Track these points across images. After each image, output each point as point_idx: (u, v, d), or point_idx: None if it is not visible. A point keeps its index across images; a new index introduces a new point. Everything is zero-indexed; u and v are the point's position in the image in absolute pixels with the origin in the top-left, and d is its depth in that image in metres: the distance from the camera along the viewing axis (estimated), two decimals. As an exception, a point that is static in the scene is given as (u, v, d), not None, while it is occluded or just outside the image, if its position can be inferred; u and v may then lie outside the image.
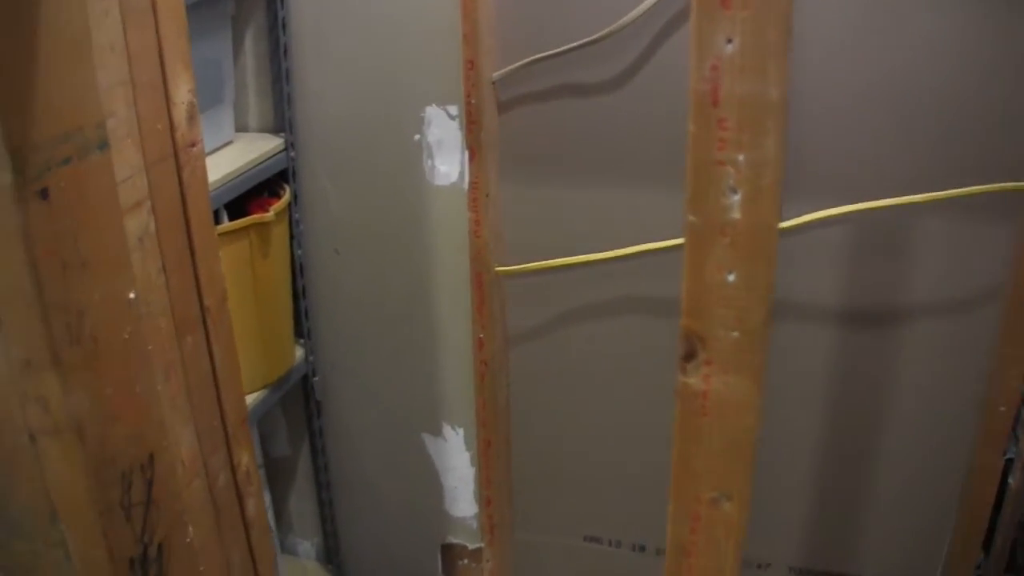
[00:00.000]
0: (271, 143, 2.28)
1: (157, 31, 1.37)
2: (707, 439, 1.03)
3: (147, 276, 1.30)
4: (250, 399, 2.22)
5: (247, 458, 1.61)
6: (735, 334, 0.95)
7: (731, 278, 0.93)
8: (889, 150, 2.00)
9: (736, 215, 0.90)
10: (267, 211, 2.13)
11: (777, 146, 0.86)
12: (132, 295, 1.23)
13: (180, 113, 1.39)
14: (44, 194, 1.07)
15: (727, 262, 0.92)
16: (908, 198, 1.95)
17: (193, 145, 1.42)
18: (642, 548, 2.64)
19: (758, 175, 0.87)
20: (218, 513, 1.53)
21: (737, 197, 0.89)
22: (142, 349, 1.26)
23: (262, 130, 2.37)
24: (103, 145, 1.16)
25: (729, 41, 0.85)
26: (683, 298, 0.96)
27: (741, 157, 0.87)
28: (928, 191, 1.95)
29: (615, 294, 2.30)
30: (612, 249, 2.22)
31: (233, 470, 1.58)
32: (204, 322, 1.46)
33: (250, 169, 2.17)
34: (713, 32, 0.85)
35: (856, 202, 2.00)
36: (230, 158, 2.17)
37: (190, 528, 1.41)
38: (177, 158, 1.40)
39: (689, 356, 0.98)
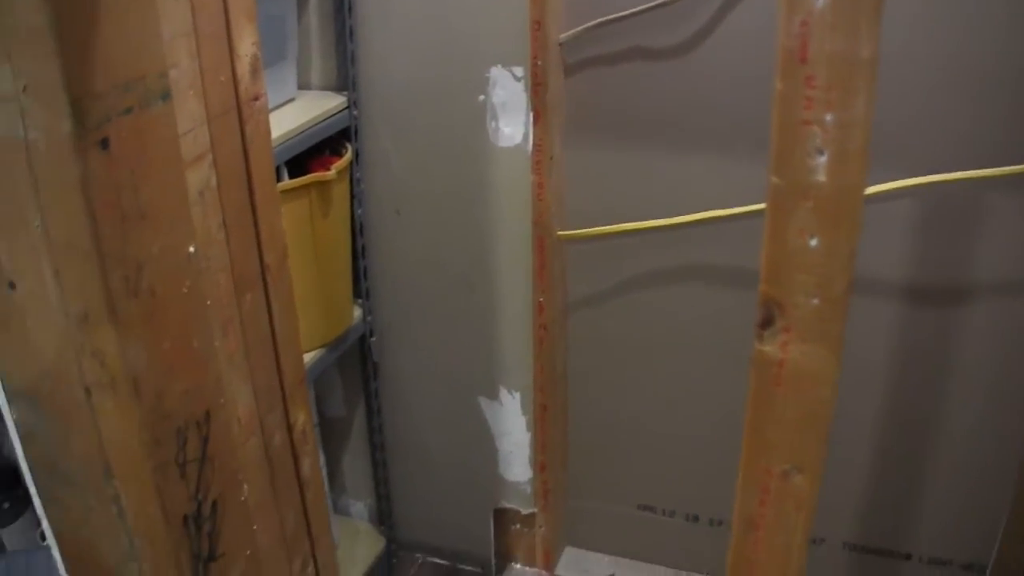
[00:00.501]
0: (333, 101, 2.26)
1: (221, -19, 1.35)
2: (781, 409, 1.00)
3: (207, 231, 1.29)
4: (307, 358, 2.20)
5: (303, 417, 1.59)
6: (815, 301, 0.92)
7: (813, 243, 0.89)
8: (961, 124, 1.96)
9: (821, 177, 0.86)
10: (328, 170, 2.11)
11: (866, 107, 0.83)
12: (192, 249, 1.21)
13: (243, 66, 1.37)
14: (104, 144, 1.05)
15: (810, 226, 0.89)
16: (979, 172, 1.91)
17: (256, 99, 1.40)
18: (695, 519, 2.62)
19: (846, 136, 0.84)
20: (273, 472, 1.52)
21: (823, 159, 0.86)
22: (201, 304, 1.24)
23: (325, 88, 2.35)
24: (165, 95, 1.14)
25: (820, -5, 0.82)
26: (762, 263, 0.93)
27: (829, 117, 0.84)
28: (999, 166, 1.91)
29: (676, 262, 2.28)
30: (675, 216, 2.19)
31: (289, 429, 1.57)
32: (264, 279, 1.45)
33: (312, 127, 2.15)
34: (804, -14, 0.82)
35: (925, 175, 1.96)
36: (292, 115, 2.15)
37: (245, 486, 1.40)
38: (240, 112, 1.38)
39: (766, 323, 0.95)
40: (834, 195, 0.87)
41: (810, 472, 1.03)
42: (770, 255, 0.92)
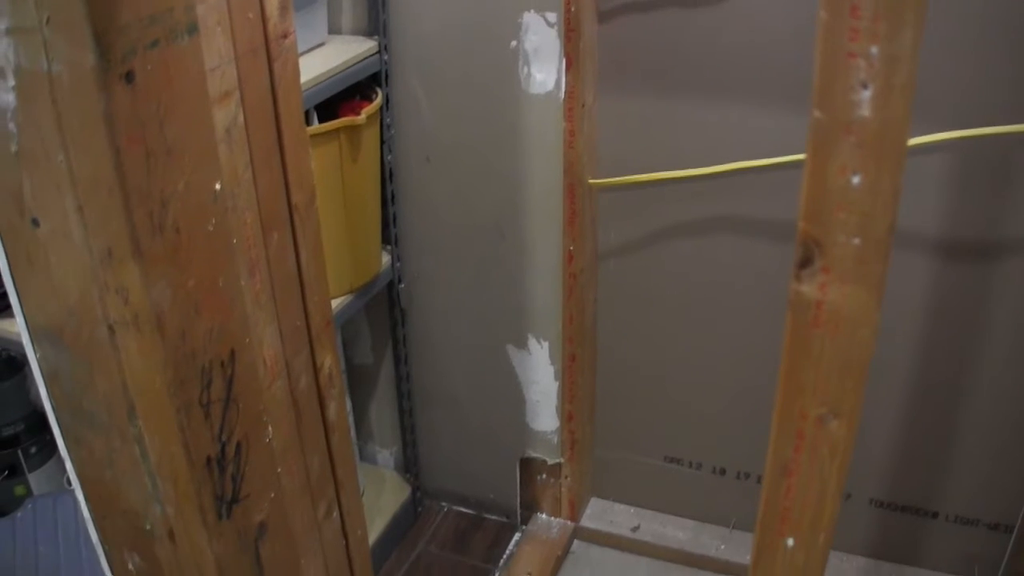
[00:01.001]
0: (364, 45, 2.25)
1: (250, -85, 1.33)
2: (818, 352, 0.98)
3: (234, 169, 1.27)
4: (334, 304, 2.20)
5: (330, 361, 1.58)
6: (856, 241, 0.90)
7: (855, 181, 0.87)
8: (997, 77, 1.93)
9: (865, 112, 0.84)
10: (358, 114, 2.10)
11: (914, 40, 0.80)
12: (218, 187, 1.19)
13: (272, 3, 1.35)
14: (130, 78, 1.03)
15: (852, 163, 0.87)
16: (1015, 127, 1.89)
17: (285, 37, 1.38)
18: (723, 471, 2.62)
19: (892, 71, 0.81)
20: (299, 415, 1.51)
21: (867, 93, 0.83)
22: (227, 242, 1.23)
23: (355, 33, 2.34)
24: (192, 29, 1.12)
25: (869, -79, 0.80)
26: (801, 201, 0.90)
27: (874, 50, 0.81)
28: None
29: (708, 212, 2.26)
30: (708, 166, 2.17)
31: (316, 372, 1.56)
32: (291, 220, 1.43)
33: (342, 71, 2.14)
34: (852, -88, 0.80)
35: (959, 129, 1.93)
36: (322, 59, 2.14)
37: (270, 428, 1.39)
38: (268, 50, 1.36)
39: (805, 263, 0.93)
40: (878, 131, 0.84)
41: (847, 418, 1.01)
42: (810, 193, 0.90)
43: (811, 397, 1.01)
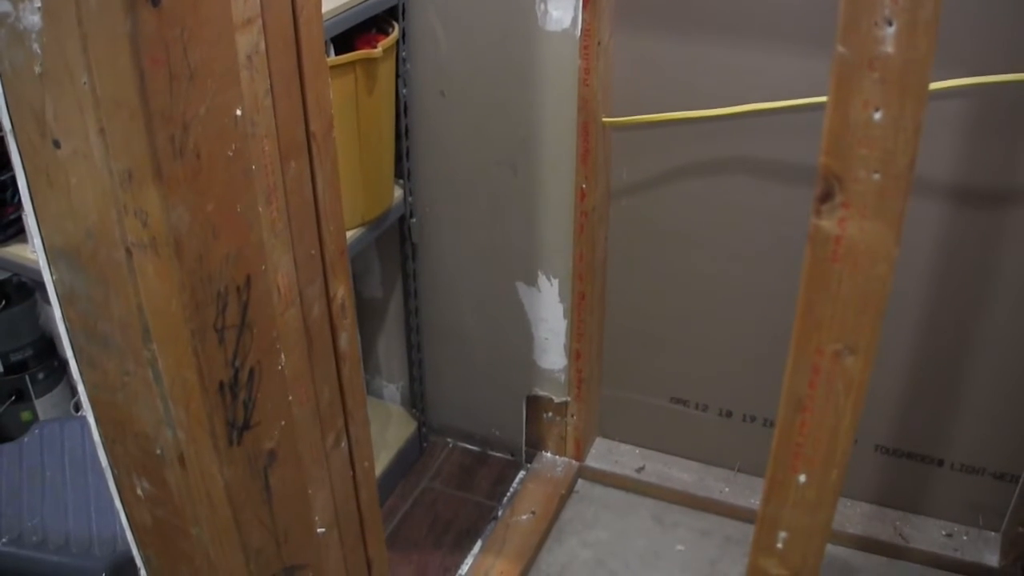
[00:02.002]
0: (382, -22, 2.24)
1: None
2: (836, 287, 0.98)
3: (254, 95, 1.27)
4: (347, 236, 2.21)
5: (343, 290, 1.58)
6: (876, 176, 0.90)
7: (877, 116, 0.87)
8: (1015, 24, 1.92)
9: (888, 48, 0.84)
10: (375, 47, 2.10)
11: (940, -24, 0.81)
12: (239, 112, 1.20)
13: (295, -69, 1.35)
14: (155, 1, 1.04)
15: (875, 98, 0.87)
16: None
17: (306, -35, 1.38)
18: (729, 414, 2.63)
19: (915, 6, 0.81)
20: (311, 343, 1.51)
21: (891, 29, 0.83)
22: (246, 168, 1.23)
23: (373, -35, 2.33)
24: (218, -46, 1.12)
25: None
26: (824, 135, 0.91)
27: (899, -14, 0.82)
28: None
29: (722, 154, 2.26)
30: (723, 107, 2.17)
31: (328, 302, 1.56)
32: (309, 148, 1.43)
33: (359, 4, 2.14)
34: None
35: (976, 75, 1.93)
36: (340, -9, 2.14)
37: (282, 356, 1.39)
38: (290, -22, 1.36)
39: (825, 197, 0.93)
40: (901, 67, 0.85)
41: (863, 353, 1.02)
42: (832, 128, 0.90)
43: (828, 332, 1.01)
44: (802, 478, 1.14)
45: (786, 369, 1.07)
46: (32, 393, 2.60)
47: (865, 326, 1.00)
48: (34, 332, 2.61)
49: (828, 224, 0.94)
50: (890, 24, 0.83)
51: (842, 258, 0.96)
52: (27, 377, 2.58)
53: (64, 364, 2.61)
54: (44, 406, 2.64)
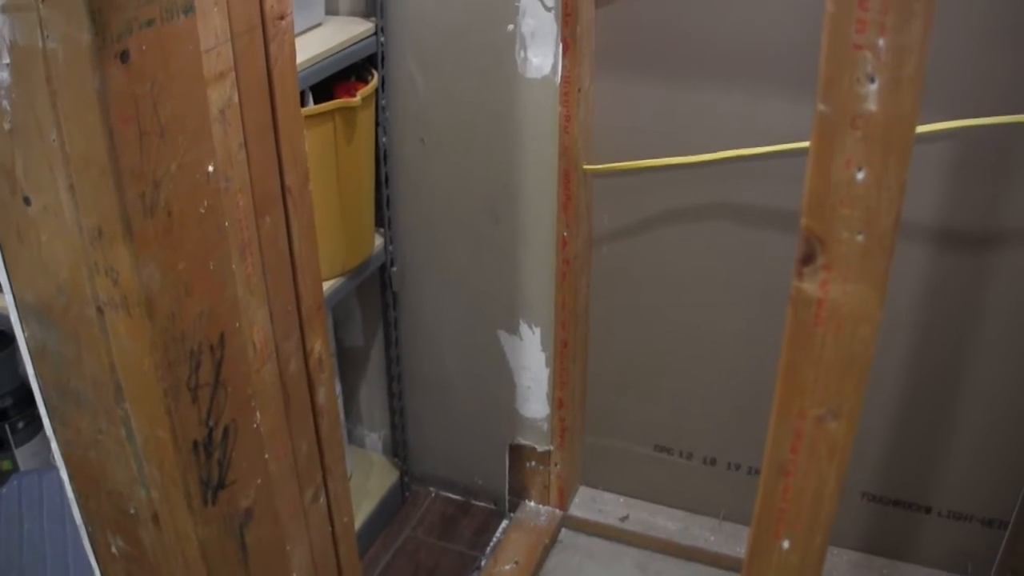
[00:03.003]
0: (361, 27, 2.24)
1: None
2: (818, 350, 0.97)
3: (227, 150, 1.26)
4: (326, 286, 2.19)
5: (320, 345, 1.57)
6: (860, 237, 0.88)
7: (860, 176, 0.86)
8: (999, 67, 1.92)
9: (871, 106, 0.83)
10: (354, 96, 2.09)
11: (923, 32, 0.79)
12: (211, 168, 1.18)
13: (269, -17, 1.34)
14: (124, 57, 1.02)
15: (857, 157, 0.85)
16: (1017, 117, 1.88)
17: (282, 18, 1.37)
18: (713, 462, 2.61)
19: (900, 63, 0.80)
20: (287, 399, 1.50)
21: (874, 86, 0.82)
22: (219, 224, 1.21)
23: (352, 14, 2.33)
24: (188, 9, 1.11)
25: (879, -92, 0.79)
26: (805, 196, 0.89)
27: (882, 42, 0.80)
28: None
29: (704, 200, 2.25)
30: (704, 153, 2.16)
31: (305, 356, 1.55)
32: (284, 202, 1.42)
33: (338, 52, 2.13)
34: (859, -102, 0.79)
35: (961, 118, 1.93)
36: (319, 40, 2.13)
37: (258, 414, 1.38)
38: (265, 30, 1.35)
39: (807, 259, 0.92)
40: (884, 125, 0.83)
41: (847, 418, 1.00)
42: (813, 187, 0.88)
43: (811, 396, 1.00)
44: (785, 544, 1.12)
45: (768, 433, 1.06)
46: (12, 442, 2.57)
47: (849, 390, 0.98)
48: (13, 380, 2.58)
49: (810, 287, 0.93)
50: (873, 81, 0.81)
51: (825, 321, 0.94)
52: (6, 426, 2.55)
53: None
54: (24, 455, 2.61)
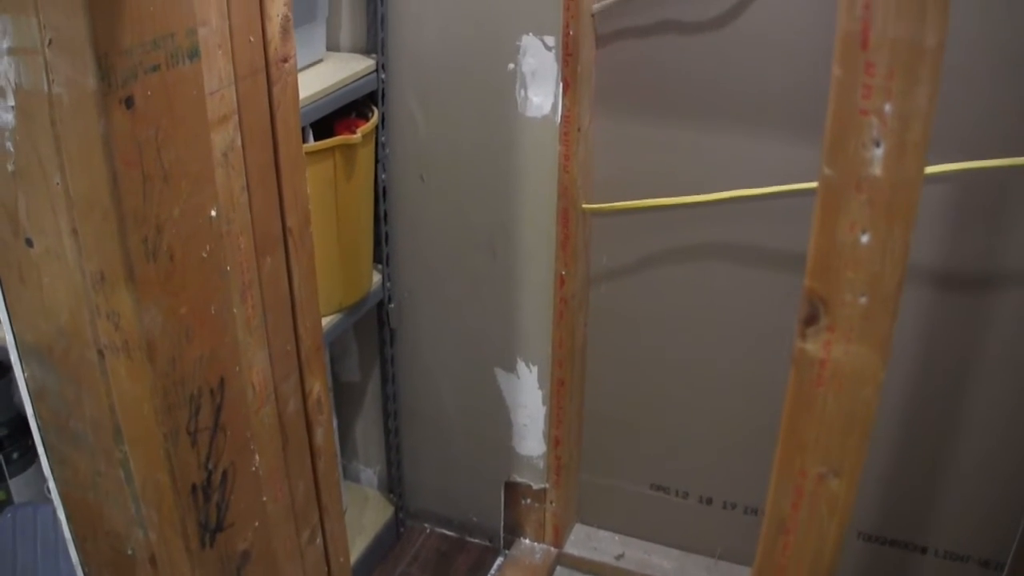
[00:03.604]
0: (361, 64, 2.24)
1: (254, -63, 1.32)
2: (821, 410, 0.97)
3: (230, 193, 1.26)
4: (324, 322, 2.19)
5: (319, 386, 1.57)
6: (863, 300, 0.89)
7: (864, 239, 0.86)
8: (996, 110, 1.93)
9: (876, 171, 0.83)
10: (354, 132, 2.10)
11: (929, 98, 0.79)
12: (214, 212, 1.19)
13: (274, 26, 1.34)
14: (129, 102, 1.03)
15: (862, 221, 0.86)
16: (1015, 160, 1.89)
17: (285, 61, 1.37)
18: (709, 501, 2.61)
19: (905, 128, 0.80)
20: (286, 441, 1.49)
21: (880, 151, 0.82)
22: (220, 268, 1.22)
23: (353, 50, 2.33)
24: (194, 54, 1.11)
25: (886, -23, 0.79)
26: (809, 257, 0.89)
27: (888, 107, 0.80)
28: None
29: (701, 240, 2.25)
30: (702, 193, 2.16)
31: (304, 397, 1.55)
32: (285, 244, 1.42)
33: (339, 89, 2.13)
34: (869, -33, 0.79)
35: (959, 161, 1.93)
36: (319, 77, 2.13)
37: (256, 456, 1.38)
38: (268, 73, 1.35)
39: (810, 320, 0.92)
40: (889, 189, 0.83)
41: (848, 476, 1.00)
42: (818, 249, 0.89)
43: (812, 455, 1.00)
44: (785, 599, 1.12)
45: (769, 489, 1.05)
46: (6, 472, 2.56)
47: (851, 449, 0.98)
48: (9, 411, 2.57)
49: (813, 347, 0.93)
50: (878, 146, 0.82)
51: (827, 381, 0.94)
52: (1, 456, 2.54)
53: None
54: (18, 485, 2.60)
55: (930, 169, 1.90)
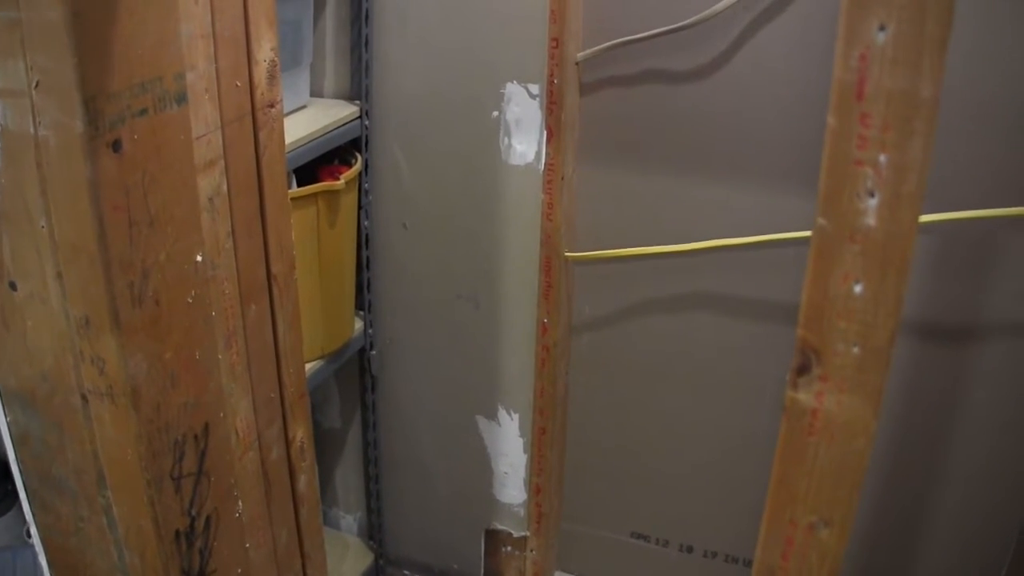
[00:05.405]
0: (345, 110, 2.24)
1: (242, -16, 1.32)
2: (812, 460, 0.96)
3: (216, 239, 1.25)
4: (306, 368, 2.18)
5: (302, 432, 1.56)
6: (856, 350, 0.88)
7: (858, 289, 0.86)
8: (981, 161, 1.93)
9: (871, 221, 0.83)
10: (337, 179, 2.09)
11: (924, 149, 0.79)
12: (199, 258, 1.18)
13: (261, 72, 1.34)
14: (116, 146, 1.02)
15: (855, 272, 0.85)
16: (998, 211, 1.89)
17: (272, 106, 1.37)
18: (690, 549, 2.59)
19: (900, 179, 0.80)
20: (269, 487, 1.48)
21: (874, 201, 0.82)
22: (205, 314, 1.21)
23: (337, 96, 2.33)
24: (181, 99, 1.11)
25: (882, 29, 0.78)
26: (802, 307, 0.89)
27: (883, 158, 0.80)
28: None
29: (685, 289, 2.25)
30: (686, 242, 2.16)
31: (287, 444, 1.54)
32: (270, 290, 1.42)
33: (323, 135, 2.13)
34: (865, 18, 0.78)
35: (944, 211, 1.93)
36: (303, 122, 2.13)
37: (240, 503, 1.37)
38: (255, 118, 1.35)
39: (802, 370, 0.91)
40: (883, 240, 0.83)
41: (838, 526, 1.00)
42: (811, 299, 0.88)
43: (802, 505, 0.99)
44: (774, 649, 1.11)
45: (759, 539, 1.05)
46: (-15, 517, 2.54)
47: (841, 499, 0.98)
48: (-14, 456, 2.55)
49: (805, 397, 0.93)
50: (872, 196, 0.82)
51: (819, 432, 0.94)
52: (-20, 500, 2.52)
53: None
54: (-3, 529, 2.58)
55: (923, 218, 1.90)
